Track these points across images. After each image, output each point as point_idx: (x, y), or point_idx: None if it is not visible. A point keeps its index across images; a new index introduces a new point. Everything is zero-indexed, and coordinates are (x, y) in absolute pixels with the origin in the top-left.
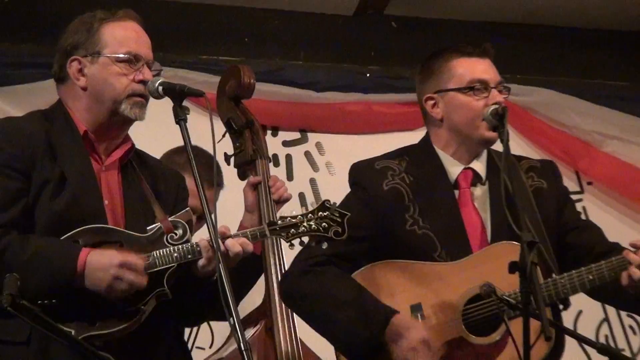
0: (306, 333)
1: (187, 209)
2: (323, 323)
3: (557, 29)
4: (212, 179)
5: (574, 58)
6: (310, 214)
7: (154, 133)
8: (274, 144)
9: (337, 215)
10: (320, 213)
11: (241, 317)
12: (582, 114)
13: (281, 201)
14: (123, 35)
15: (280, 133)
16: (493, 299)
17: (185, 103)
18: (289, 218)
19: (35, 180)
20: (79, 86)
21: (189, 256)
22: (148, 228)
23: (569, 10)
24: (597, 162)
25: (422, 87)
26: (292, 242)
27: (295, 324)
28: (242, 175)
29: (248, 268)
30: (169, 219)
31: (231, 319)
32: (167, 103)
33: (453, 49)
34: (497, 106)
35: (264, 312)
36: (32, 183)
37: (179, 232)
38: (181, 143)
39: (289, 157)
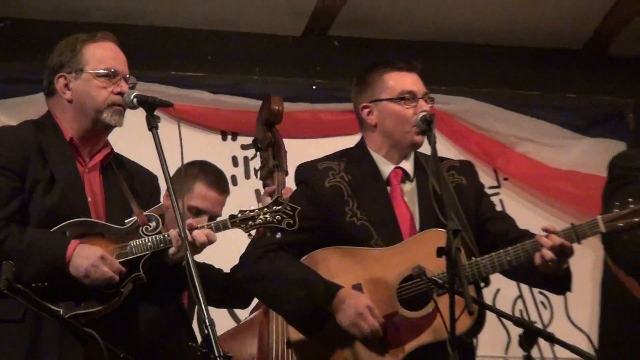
0: None
1: (160, 204)
2: (276, 300)
3: (477, 46)
4: (222, 186)
5: (492, 71)
6: (266, 208)
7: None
8: (234, 147)
9: (289, 209)
10: (275, 207)
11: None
12: (499, 120)
13: None
14: (102, 54)
15: (239, 138)
16: (423, 279)
17: (157, 113)
18: (248, 211)
19: (29, 180)
20: (65, 99)
21: (162, 245)
22: (126, 221)
23: (488, 30)
24: (512, 160)
25: (359, 97)
26: (251, 232)
27: None
28: (265, 186)
29: None
30: (144, 213)
31: (199, 302)
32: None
33: (385, 64)
34: (425, 113)
35: None
36: (26, 183)
37: (153, 224)
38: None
39: (246, 159)
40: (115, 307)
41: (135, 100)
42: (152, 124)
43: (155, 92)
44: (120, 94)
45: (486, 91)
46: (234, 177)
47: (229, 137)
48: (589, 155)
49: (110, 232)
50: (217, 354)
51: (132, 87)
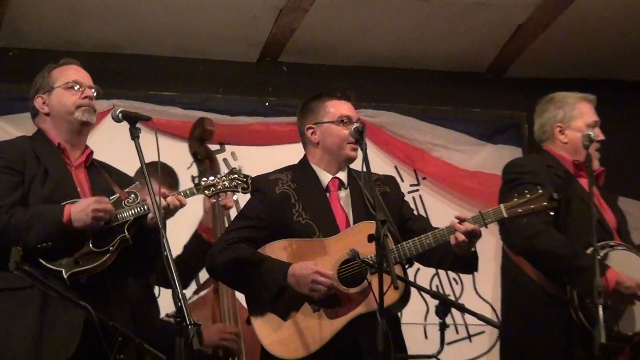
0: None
1: (137, 183)
2: (241, 281)
3: (400, 70)
4: (172, 182)
5: (411, 90)
6: (224, 177)
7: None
8: None
9: (242, 176)
10: (231, 176)
11: (201, 282)
12: (418, 130)
13: (227, 207)
14: (67, 73)
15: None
16: (357, 261)
17: (138, 125)
18: (209, 180)
19: (27, 176)
20: (44, 113)
21: (141, 211)
22: (110, 197)
23: (408, 56)
24: (429, 163)
25: (303, 120)
26: (212, 197)
27: None
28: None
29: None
30: (125, 190)
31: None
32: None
33: (326, 93)
34: (358, 125)
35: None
36: (25, 178)
37: (132, 197)
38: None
39: None
40: (107, 264)
41: (120, 115)
42: (135, 134)
43: (136, 108)
44: (88, 97)
45: (407, 106)
46: None
47: None
48: (491, 159)
49: None
50: (188, 322)
51: (97, 94)
